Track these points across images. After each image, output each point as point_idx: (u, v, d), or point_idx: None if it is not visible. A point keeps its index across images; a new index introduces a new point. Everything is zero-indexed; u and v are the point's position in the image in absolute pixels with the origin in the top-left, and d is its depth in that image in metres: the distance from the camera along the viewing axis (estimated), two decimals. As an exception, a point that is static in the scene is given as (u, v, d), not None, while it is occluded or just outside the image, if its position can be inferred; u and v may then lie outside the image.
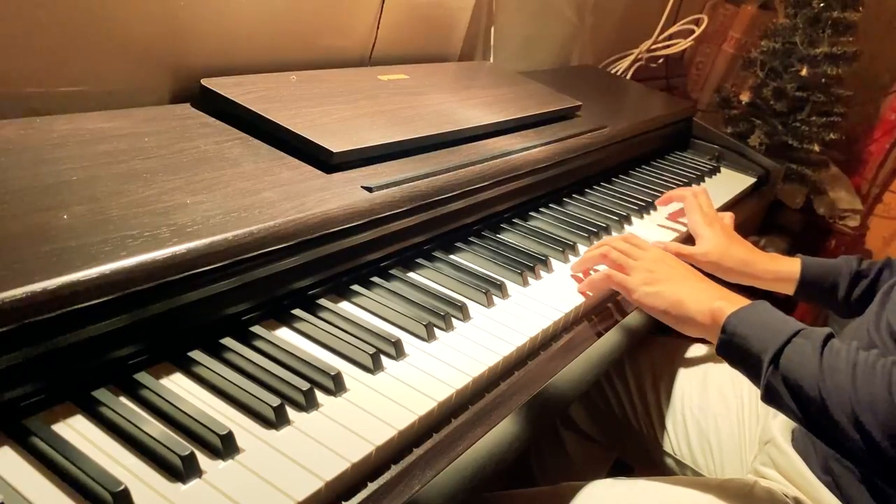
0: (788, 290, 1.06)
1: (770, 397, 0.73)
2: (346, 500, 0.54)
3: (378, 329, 0.71)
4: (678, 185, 1.35)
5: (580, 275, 0.92)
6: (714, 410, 1.08)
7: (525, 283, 0.87)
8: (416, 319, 0.73)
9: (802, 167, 1.97)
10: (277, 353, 0.65)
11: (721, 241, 1.04)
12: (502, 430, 0.69)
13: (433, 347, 0.72)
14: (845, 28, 1.85)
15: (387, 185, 0.79)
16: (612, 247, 0.90)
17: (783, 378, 0.71)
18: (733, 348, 0.76)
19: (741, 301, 0.79)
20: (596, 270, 0.92)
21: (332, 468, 0.54)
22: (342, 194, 0.75)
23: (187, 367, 0.61)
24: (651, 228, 1.14)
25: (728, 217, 1.13)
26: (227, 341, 0.64)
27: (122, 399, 0.56)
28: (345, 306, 0.75)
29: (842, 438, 0.68)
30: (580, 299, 0.87)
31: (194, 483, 0.51)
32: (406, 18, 1.21)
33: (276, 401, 0.57)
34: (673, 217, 1.18)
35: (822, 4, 1.84)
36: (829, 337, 0.72)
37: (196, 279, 0.60)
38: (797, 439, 0.90)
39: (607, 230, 1.07)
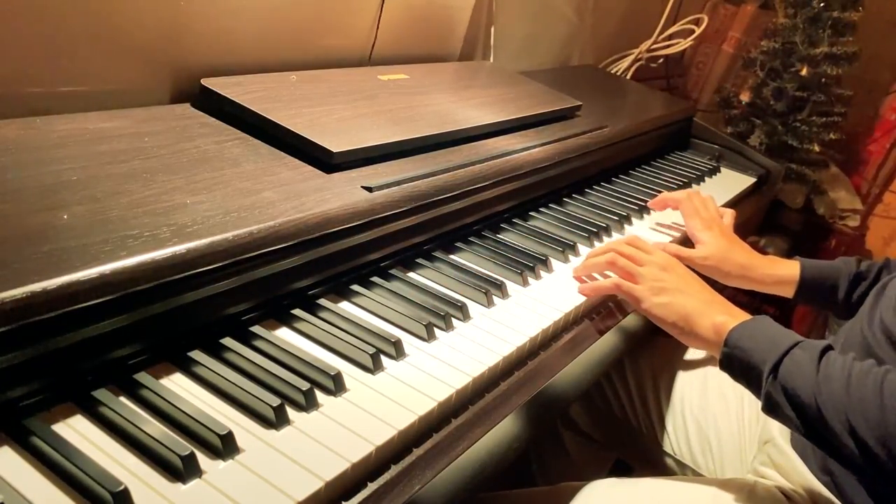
0: (788, 293, 1.06)
1: (770, 408, 0.74)
2: (346, 500, 0.54)
3: (378, 329, 0.71)
4: (678, 186, 1.35)
5: (584, 277, 0.92)
6: (714, 410, 1.07)
7: (525, 283, 0.87)
8: (416, 319, 0.73)
9: (802, 167, 1.97)
10: (277, 353, 0.65)
11: (721, 246, 1.03)
12: (502, 430, 0.69)
13: (433, 347, 0.72)
14: (845, 28, 1.85)
15: (387, 185, 0.79)
16: (619, 252, 0.90)
17: (782, 388, 0.72)
18: (735, 362, 0.77)
19: (743, 315, 0.80)
20: (603, 276, 0.92)
21: (332, 468, 0.54)
22: (342, 194, 0.75)
23: (187, 367, 0.61)
24: (650, 229, 1.14)
25: (729, 215, 1.12)
26: (227, 341, 0.64)
27: (122, 399, 0.56)
28: (345, 306, 0.75)
29: (838, 446, 0.69)
30: (580, 299, 0.87)
31: (194, 483, 0.51)
32: (406, 18, 1.21)
33: (276, 401, 0.57)
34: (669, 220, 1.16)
35: (822, 4, 1.84)
36: (828, 348, 0.73)
37: (196, 279, 0.60)
38: (796, 439, 0.90)
39: (607, 230, 1.07)
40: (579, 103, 1.27)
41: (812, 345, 0.74)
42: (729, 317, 0.80)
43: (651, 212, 1.20)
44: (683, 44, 1.87)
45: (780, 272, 1.05)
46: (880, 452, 0.66)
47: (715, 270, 1.03)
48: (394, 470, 0.58)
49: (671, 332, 0.85)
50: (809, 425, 0.71)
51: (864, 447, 0.67)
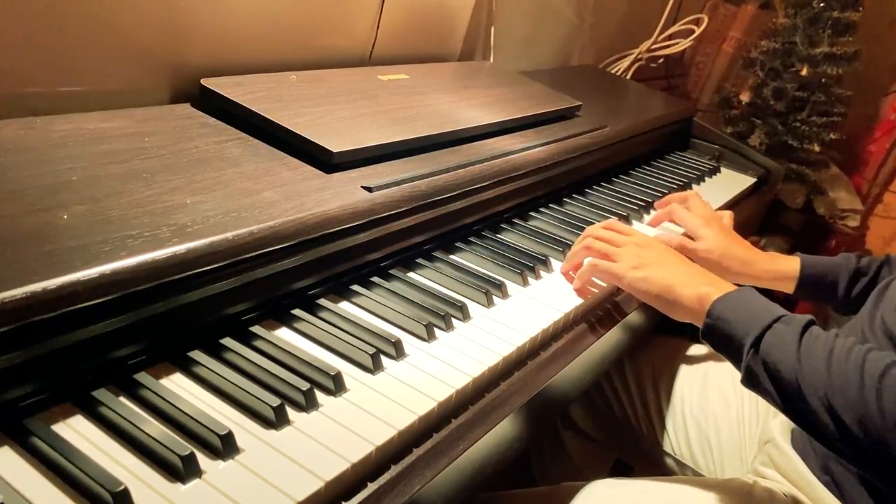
0: (788, 288, 1.06)
1: (750, 381, 0.73)
2: (346, 500, 0.54)
3: (378, 329, 0.71)
4: (678, 186, 1.35)
5: (571, 273, 0.92)
6: (714, 410, 1.08)
7: (525, 283, 0.87)
8: (416, 319, 0.73)
9: (802, 167, 1.97)
10: (277, 353, 0.65)
11: (721, 241, 1.04)
12: (502, 430, 0.69)
13: (433, 347, 0.72)
14: (845, 28, 1.85)
15: (387, 185, 0.79)
16: (595, 237, 0.90)
17: (763, 362, 0.71)
18: (717, 332, 0.76)
19: (728, 287, 0.79)
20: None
21: (332, 468, 0.54)
22: (342, 194, 0.75)
23: (187, 367, 0.61)
24: (651, 229, 1.14)
25: (727, 216, 1.12)
26: (227, 341, 0.64)
27: (122, 399, 0.56)
28: (345, 306, 0.75)
29: (817, 423, 0.68)
30: (580, 299, 0.87)
31: (194, 483, 0.51)
32: (406, 18, 1.21)
33: (276, 401, 0.57)
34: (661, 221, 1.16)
35: (822, 4, 1.84)
36: (811, 323, 0.72)
37: (196, 279, 0.60)
38: (796, 439, 0.90)
39: (607, 230, 1.07)
40: (579, 103, 1.27)
41: (795, 319, 0.73)
42: (713, 287, 0.79)
43: (651, 211, 1.20)
44: (683, 44, 1.87)
45: (781, 268, 1.06)
46: (858, 431, 0.65)
47: (716, 265, 1.03)
48: (394, 470, 0.58)
49: (655, 305, 0.84)
50: (788, 400, 0.70)
51: (841, 425, 0.66)
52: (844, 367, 0.67)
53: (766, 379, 0.71)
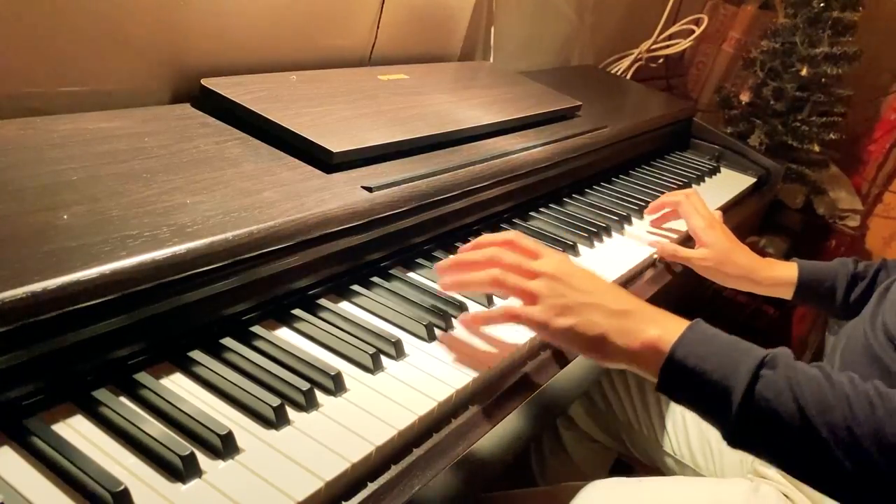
0: (787, 294, 1.06)
1: (740, 440, 0.63)
2: (346, 500, 0.54)
3: (378, 329, 0.71)
4: (678, 186, 1.35)
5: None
6: (714, 410, 1.07)
7: (525, 283, 0.87)
8: (416, 319, 0.73)
9: (802, 167, 1.97)
10: (277, 353, 0.65)
11: (724, 247, 1.03)
12: (502, 430, 0.69)
13: (433, 347, 0.72)
14: (845, 28, 1.85)
15: (387, 185, 0.79)
16: (503, 262, 0.71)
17: (756, 419, 0.61)
18: (683, 385, 0.64)
19: (674, 322, 0.67)
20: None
21: (332, 468, 0.54)
22: (342, 194, 0.75)
23: (187, 367, 0.61)
24: (648, 232, 1.14)
25: (718, 216, 1.12)
26: (227, 341, 0.64)
27: (122, 399, 0.56)
28: (345, 306, 0.75)
29: (829, 473, 0.60)
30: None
31: (194, 483, 0.51)
32: (406, 18, 1.21)
33: (276, 401, 0.57)
34: (663, 220, 1.14)
35: (822, 4, 1.84)
36: (795, 359, 0.63)
37: (196, 279, 0.60)
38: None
39: (607, 230, 1.07)
40: (579, 103, 1.27)
41: (779, 359, 0.62)
42: (659, 328, 0.66)
43: (645, 216, 1.19)
44: (683, 44, 1.87)
45: (779, 274, 1.05)
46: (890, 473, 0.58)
47: (714, 272, 1.03)
48: (394, 470, 0.58)
49: (587, 357, 0.69)
50: (789, 455, 0.61)
51: (871, 471, 0.58)
52: (871, 414, 0.58)
53: (760, 436, 0.62)
